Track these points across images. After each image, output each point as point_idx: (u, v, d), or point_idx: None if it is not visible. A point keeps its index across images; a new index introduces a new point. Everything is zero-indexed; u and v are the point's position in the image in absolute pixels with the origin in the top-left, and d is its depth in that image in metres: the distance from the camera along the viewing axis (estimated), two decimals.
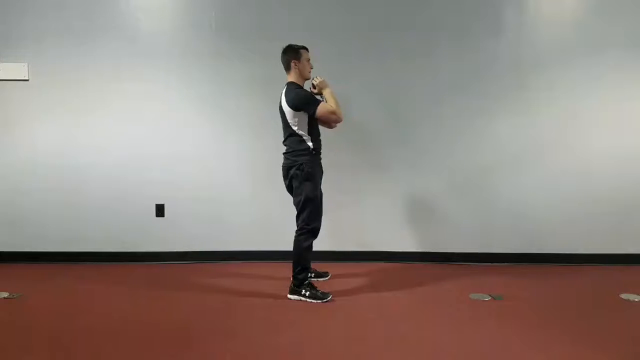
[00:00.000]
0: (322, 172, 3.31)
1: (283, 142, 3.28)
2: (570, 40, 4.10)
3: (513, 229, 4.19)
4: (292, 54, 3.21)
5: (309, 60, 3.26)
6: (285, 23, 4.08)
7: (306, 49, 3.27)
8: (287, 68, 3.25)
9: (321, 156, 3.29)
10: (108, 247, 4.14)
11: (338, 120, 3.17)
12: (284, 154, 3.28)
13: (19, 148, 4.09)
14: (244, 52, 4.10)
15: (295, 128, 3.15)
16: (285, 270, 3.66)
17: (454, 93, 4.13)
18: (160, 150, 4.12)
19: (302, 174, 3.11)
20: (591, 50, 4.09)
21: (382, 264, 4.13)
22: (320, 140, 3.27)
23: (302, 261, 3.14)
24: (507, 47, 4.10)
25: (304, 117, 3.14)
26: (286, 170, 3.23)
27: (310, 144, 3.16)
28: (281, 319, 2.75)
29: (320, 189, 3.32)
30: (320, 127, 3.30)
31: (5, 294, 3.17)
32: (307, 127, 3.16)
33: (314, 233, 3.17)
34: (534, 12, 4.11)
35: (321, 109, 3.09)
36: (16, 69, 4.02)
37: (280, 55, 3.28)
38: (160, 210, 4.15)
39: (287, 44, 3.26)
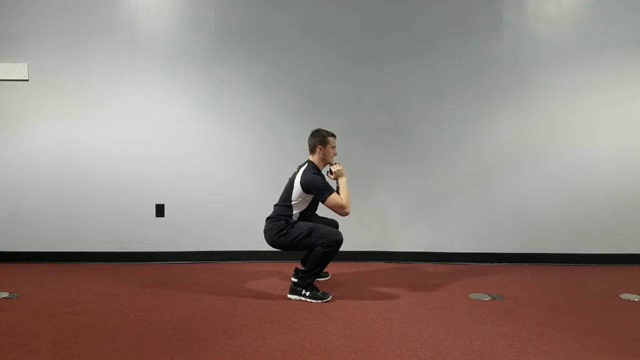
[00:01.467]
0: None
1: (274, 205, 3.33)
2: (570, 40, 4.10)
3: (513, 229, 4.19)
4: (320, 140, 3.28)
5: (334, 147, 3.33)
6: (285, 23, 4.09)
7: (334, 136, 3.34)
8: (312, 151, 3.32)
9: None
10: (108, 247, 4.14)
11: (345, 214, 3.20)
12: (267, 218, 3.30)
13: (19, 148, 4.09)
14: (244, 52, 4.10)
15: (293, 203, 3.22)
16: (285, 270, 3.67)
17: (454, 93, 4.14)
18: (160, 150, 4.12)
19: (288, 228, 3.16)
20: (591, 50, 4.09)
21: (382, 264, 4.13)
22: (307, 216, 3.33)
23: (319, 270, 3.14)
24: (507, 47, 4.11)
25: (308, 199, 3.22)
26: (270, 238, 3.24)
27: (295, 218, 3.23)
28: (281, 319, 2.75)
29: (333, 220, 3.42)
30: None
31: (5, 294, 3.17)
32: (304, 208, 3.25)
33: (339, 245, 3.11)
34: (534, 12, 4.11)
35: (331, 201, 3.13)
36: (16, 69, 4.03)
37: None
38: (160, 210, 4.15)
39: (316, 128, 3.32)
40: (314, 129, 3.33)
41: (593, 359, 2.26)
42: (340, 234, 3.12)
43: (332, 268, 3.79)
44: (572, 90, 4.12)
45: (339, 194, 3.21)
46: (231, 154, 4.16)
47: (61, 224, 4.12)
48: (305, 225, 3.17)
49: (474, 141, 4.17)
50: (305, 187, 3.15)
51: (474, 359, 2.24)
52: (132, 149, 4.11)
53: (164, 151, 4.12)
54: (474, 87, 4.13)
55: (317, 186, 3.14)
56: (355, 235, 4.16)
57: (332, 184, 3.28)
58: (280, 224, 3.18)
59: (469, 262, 4.18)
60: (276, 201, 3.33)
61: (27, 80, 4.05)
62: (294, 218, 3.23)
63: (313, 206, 3.32)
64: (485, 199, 4.20)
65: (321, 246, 3.07)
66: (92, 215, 4.12)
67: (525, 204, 4.18)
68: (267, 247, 4.14)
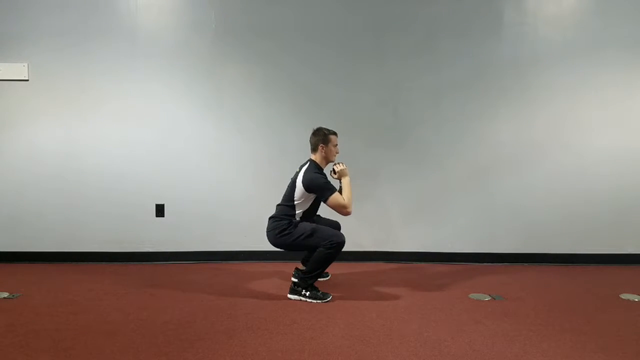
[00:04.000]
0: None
1: (277, 205, 3.32)
2: (570, 40, 4.10)
3: (513, 229, 4.19)
4: (322, 139, 3.27)
5: (336, 145, 3.32)
6: (285, 23, 4.09)
7: (335, 134, 3.33)
8: (314, 149, 3.31)
9: None
10: (108, 247, 4.14)
11: (347, 214, 3.20)
12: (270, 217, 3.30)
13: (19, 148, 4.09)
14: (244, 52, 4.10)
15: (295, 203, 3.21)
16: (285, 270, 3.67)
17: (454, 93, 4.14)
18: (160, 150, 4.12)
19: (290, 228, 3.16)
20: (591, 50, 4.09)
21: (382, 264, 4.13)
22: (311, 216, 3.33)
23: (320, 271, 3.13)
24: (507, 46, 4.11)
25: (311, 198, 3.21)
26: (273, 237, 3.24)
27: (297, 218, 3.23)
28: (281, 319, 2.75)
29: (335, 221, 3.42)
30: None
31: (5, 294, 3.17)
32: (306, 207, 3.24)
33: (341, 246, 3.11)
34: (534, 12, 4.12)
35: (333, 200, 3.12)
36: (16, 69, 4.03)
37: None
38: (160, 210, 4.15)
39: (318, 127, 3.31)
40: (315, 127, 3.33)
41: (593, 359, 2.26)
42: (342, 236, 3.11)
43: (333, 268, 3.79)
44: (572, 91, 4.12)
45: (341, 193, 3.21)
46: (231, 154, 4.16)
47: (61, 224, 4.12)
48: (308, 225, 3.16)
49: (474, 141, 4.17)
50: (307, 186, 3.15)
51: (474, 359, 2.24)
52: (132, 149, 4.11)
53: (164, 151, 4.12)
54: (474, 87, 4.13)
55: (319, 185, 3.14)
56: (355, 235, 4.16)
57: (335, 183, 3.27)
58: (283, 224, 3.18)
59: (469, 262, 4.18)
60: (278, 201, 3.33)
61: (27, 80, 4.05)
62: (297, 218, 3.23)
63: (316, 206, 3.31)
64: (485, 199, 4.20)
65: (323, 247, 3.07)
66: (92, 215, 4.12)
67: (525, 204, 4.18)
68: (267, 247, 4.14)
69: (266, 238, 3.29)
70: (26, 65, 4.04)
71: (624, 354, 2.31)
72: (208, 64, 4.10)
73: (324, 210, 3.37)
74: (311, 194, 3.19)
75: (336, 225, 3.44)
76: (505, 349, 2.36)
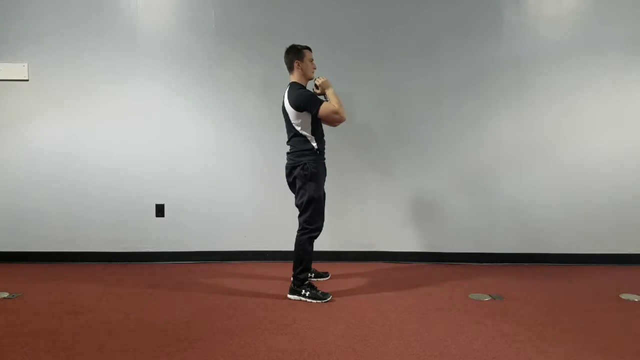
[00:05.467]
0: (325, 172, 3.29)
1: (287, 142, 3.27)
2: (570, 40, 4.10)
3: (513, 229, 4.19)
4: (295, 54, 3.20)
5: (312, 60, 3.26)
6: (285, 23, 4.09)
7: (309, 49, 3.27)
8: (290, 68, 3.24)
9: (325, 157, 3.28)
10: (108, 247, 4.14)
11: (341, 120, 3.15)
12: (287, 153, 3.27)
13: (19, 148, 4.09)
14: (244, 52, 4.10)
15: (298, 128, 3.15)
16: (286, 270, 3.66)
17: (454, 93, 4.14)
18: (160, 150, 4.12)
19: (306, 174, 3.11)
20: (591, 50, 4.09)
21: (382, 264, 4.13)
22: (324, 141, 3.27)
23: (303, 261, 3.13)
24: (507, 46, 4.11)
25: (307, 117, 3.13)
26: (290, 169, 3.23)
27: (314, 144, 3.16)
28: (281, 319, 2.75)
29: (324, 190, 3.32)
30: (325, 127, 3.30)
31: (5, 294, 3.17)
32: (310, 128, 3.16)
33: (316, 233, 3.17)
34: (534, 12, 4.11)
35: (324, 108, 3.08)
36: (16, 69, 4.03)
37: (282, 55, 3.27)
38: (160, 210, 4.15)
39: (290, 45, 3.25)
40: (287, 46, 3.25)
41: (593, 359, 2.26)
42: (321, 223, 3.16)
43: (332, 268, 3.80)
44: (572, 90, 4.12)
45: None
46: (231, 154, 4.16)
47: (61, 224, 4.12)
48: (317, 190, 3.13)
49: (474, 141, 4.17)
50: (296, 104, 3.08)
51: (474, 359, 2.24)
52: (132, 149, 4.11)
53: (164, 151, 4.12)
54: (474, 87, 4.13)
55: (306, 99, 3.08)
56: (355, 235, 4.16)
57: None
58: (304, 162, 3.11)
59: (469, 262, 4.18)
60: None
61: (27, 80, 4.05)
62: (313, 143, 3.15)
63: (318, 123, 3.20)
64: (485, 199, 4.20)
65: (298, 231, 3.13)
66: (92, 215, 4.12)
67: (525, 204, 4.18)
68: (267, 247, 4.17)
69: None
70: (26, 65, 4.04)
71: (624, 354, 2.31)
72: (208, 64, 4.10)
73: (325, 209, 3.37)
74: (304, 112, 3.11)
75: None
76: (505, 349, 2.36)
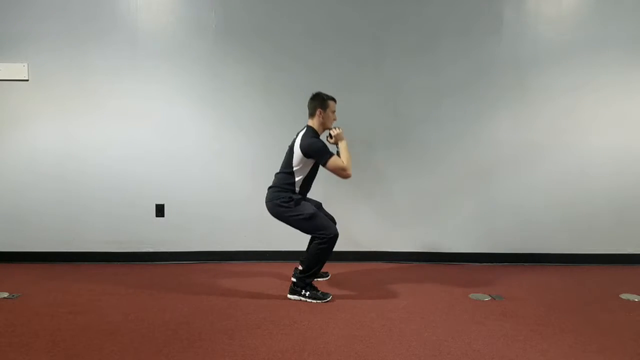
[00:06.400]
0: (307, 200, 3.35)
1: (275, 174, 3.32)
2: (571, 40, 4.10)
3: (513, 229, 4.19)
4: (320, 103, 3.24)
5: (334, 112, 3.30)
6: (285, 23, 4.09)
7: (334, 100, 3.31)
8: (312, 114, 3.28)
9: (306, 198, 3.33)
10: (108, 247, 4.14)
11: (346, 177, 3.18)
12: (269, 187, 3.30)
13: (19, 148, 4.09)
14: (244, 52, 4.10)
15: (294, 169, 3.19)
16: (285, 270, 3.67)
17: (453, 93, 4.14)
18: (160, 150, 4.12)
19: (290, 203, 3.15)
20: (591, 51, 4.09)
21: (382, 264, 4.13)
22: (308, 189, 3.32)
23: (316, 269, 3.14)
24: (507, 47, 4.11)
25: (309, 163, 3.19)
26: (272, 207, 3.23)
27: (297, 188, 3.22)
28: (281, 319, 2.75)
29: (318, 201, 3.39)
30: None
31: (5, 294, 3.17)
32: (304, 176, 3.22)
33: (335, 240, 3.12)
34: (534, 12, 4.12)
35: (332, 163, 3.11)
36: (16, 69, 4.03)
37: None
38: (160, 210, 4.15)
39: (317, 92, 3.28)
40: (313, 92, 3.29)
41: (593, 359, 2.26)
42: (335, 229, 3.12)
43: (332, 268, 3.79)
44: (572, 91, 4.12)
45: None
46: (231, 154, 4.16)
47: (61, 224, 4.12)
48: (309, 208, 3.15)
49: (474, 141, 4.17)
50: (305, 151, 3.12)
51: (473, 359, 2.24)
52: (132, 149, 4.11)
53: (164, 151, 4.12)
54: (474, 87, 4.13)
55: (317, 150, 3.11)
56: (355, 235, 4.16)
57: (332, 150, 3.22)
58: (283, 197, 3.16)
59: (469, 262, 4.18)
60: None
61: (27, 80, 4.05)
62: (297, 187, 3.20)
63: (314, 172, 3.27)
64: (485, 199, 4.20)
65: (316, 243, 3.08)
66: (92, 215, 4.12)
67: (525, 204, 4.18)
68: (267, 247, 4.17)
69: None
70: (26, 65, 4.04)
71: (624, 354, 2.31)
72: (208, 64, 4.10)
73: (326, 206, 3.37)
74: (310, 159, 3.16)
75: (332, 219, 3.43)
76: (505, 349, 2.36)
